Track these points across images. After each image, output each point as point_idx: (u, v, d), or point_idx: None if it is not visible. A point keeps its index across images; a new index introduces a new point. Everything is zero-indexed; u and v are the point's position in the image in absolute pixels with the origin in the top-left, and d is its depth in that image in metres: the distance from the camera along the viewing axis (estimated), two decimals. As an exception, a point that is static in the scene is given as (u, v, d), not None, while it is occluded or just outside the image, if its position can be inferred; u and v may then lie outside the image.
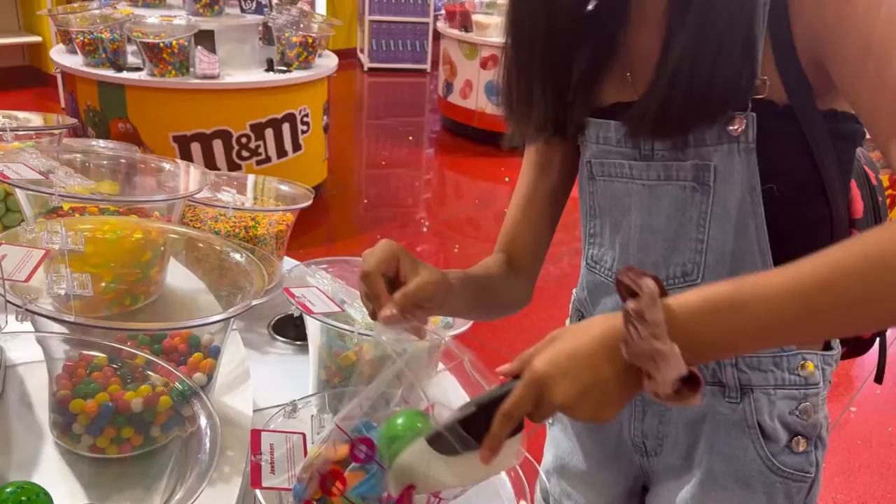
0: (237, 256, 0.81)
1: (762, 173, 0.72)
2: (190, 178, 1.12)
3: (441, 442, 0.64)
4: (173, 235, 0.89)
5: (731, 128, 0.71)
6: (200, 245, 0.86)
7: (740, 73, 0.69)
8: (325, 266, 1.15)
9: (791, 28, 0.68)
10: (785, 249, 0.72)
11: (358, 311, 0.94)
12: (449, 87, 5.15)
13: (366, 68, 6.91)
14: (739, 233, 0.75)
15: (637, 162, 0.79)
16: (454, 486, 0.68)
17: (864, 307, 0.55)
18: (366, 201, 4.17)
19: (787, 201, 0.74)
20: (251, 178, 1.57)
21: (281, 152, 3.42)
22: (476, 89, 4.91)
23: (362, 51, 7.05)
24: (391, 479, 0.66)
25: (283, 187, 1.52)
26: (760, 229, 0.74)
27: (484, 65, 4.84)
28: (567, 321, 0.97)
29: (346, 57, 7.07)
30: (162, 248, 0.92)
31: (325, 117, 3.73)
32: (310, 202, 1.40)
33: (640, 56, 0.77)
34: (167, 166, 1.16)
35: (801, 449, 0.80)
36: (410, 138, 5.28)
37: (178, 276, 0.99)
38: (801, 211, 0.75)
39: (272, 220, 1.36)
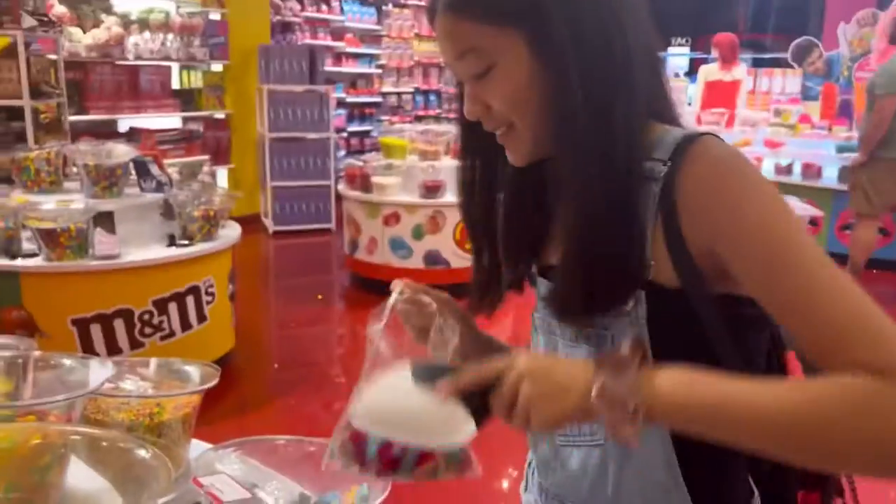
0: (142, 452, 0.80)
1: (657, 349, 0.76)
2: (90, 371, 1.11)
3: (420, 372, 0.77)
4: (75, 437, 0.87)
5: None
6: (104, 443, 0.84)
7: (628, 267, 0.77)
8: (233, 449, 1.14)
9: (682, 231, 0.76)
10: None
11: (270, 496, 0.93)
12: (354, 244, 5.27)
13: (271, 232, 7.01)
14: None
15: (557, 322, 0.88)
16: (405, 429, 0.76)
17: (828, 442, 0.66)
18: (276, 366, 4.11)
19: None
20: (153, 362, 1.54)
21: (186, 325, 3.37)
22: (381, 245, 5.05)
23: (266, 215, 7.17)
24: (358, 409, 0.80)
25: (188, 368, 1.51)
26: None
27: (386, 222, 5.01)
28: None
29: (251, 222, 7.16)
30: (62, 451, 0.89)
31: (230, 286, 3.73)
32: (215, 381, 1.39)
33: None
34: (66, 361, 1.14)
35: None
36: (320, 297, 5.30)
37: (81, 477, 0.96)
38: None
39: (177, 405, 1.34)
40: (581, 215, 0.78)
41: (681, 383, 0.70)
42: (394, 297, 0.90)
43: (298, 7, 8.31)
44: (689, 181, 0.75)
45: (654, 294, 0.78)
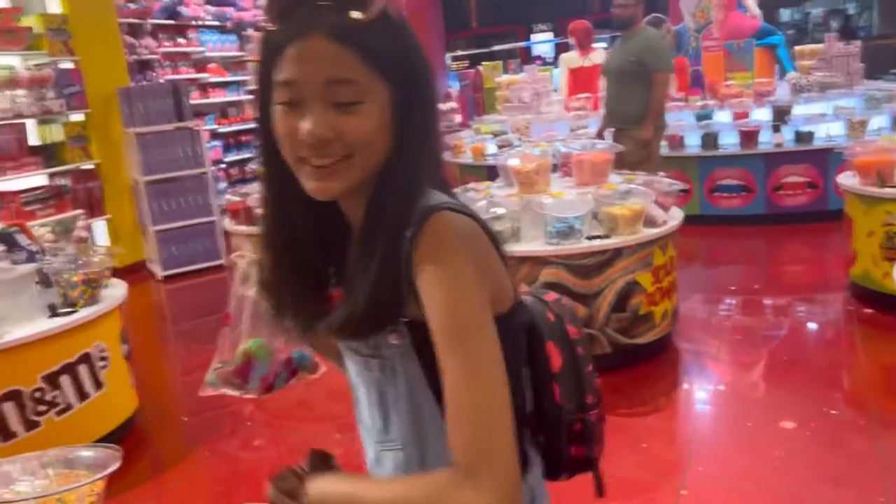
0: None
1: (428, 372, 0.94)
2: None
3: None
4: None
5: (391, 338, 0.96)
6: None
7: (388, 302, 0.92)
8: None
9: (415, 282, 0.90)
10: None
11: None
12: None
13: (160, 277, 6.79)
14: (416, 416, 1.00)
15: (352, 353, 1.04)
16: None
17: None
18: (185, 418, 4.01)
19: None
20: (49, 453, 1.51)
21: (82, 396, 3.25)
22: (275, 276, 4.99)
23: (152, 261, 6.94)
24: None
25: (86, 453, 1.48)
26: (434, 413, 0.97)
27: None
28: None
29: (137, 270, 6.92)
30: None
31: (124, 346, 3.62)
32: (118, 464, 1.38)
33: None
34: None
35: None
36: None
37: None
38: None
39: (80, 496, 1.32)
40: (372, 256, 0.92)
41: (326, 484, 0.95)
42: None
43: (154, 44, 8.07)
44: (417, 250, 0.89)
45: (414, 327, 0.92)
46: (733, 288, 5.17)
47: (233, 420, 3.88)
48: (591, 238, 3.63)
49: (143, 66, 7.94)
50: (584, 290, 3.61)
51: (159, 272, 6.79)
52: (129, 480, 3.16)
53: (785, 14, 17.77)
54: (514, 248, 3.66)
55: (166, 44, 8.28)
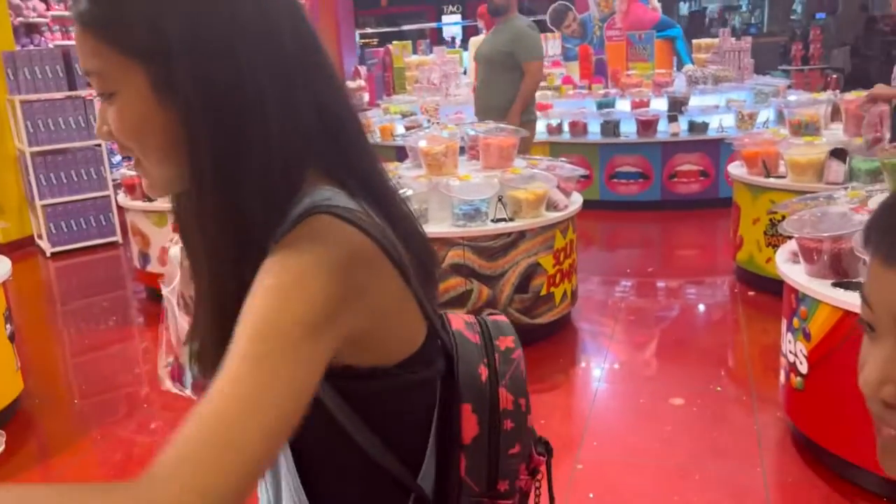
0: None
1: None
2: None
3: None
4: None
5: None
6: None
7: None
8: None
9: None
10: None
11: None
12: (145, 257, 5.01)
13: (48, 254, 6.45)
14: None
15: None
16: None
17: None
18: (76, 401, 3.85)
19: (314, 456, 0.83)
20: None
21: (-38, 378, 3.07)
22: (174, 254, 4.84)
23: (40, 237, 6.58)
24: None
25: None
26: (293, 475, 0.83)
27: (176, 229, 4.80)
28: None
29: (24, 246, 6.55)
30: None
31: (8, 326, 3.43)
32: (1, 448, 1.32)
33: None
34: None
35: None
36: (115, 318, 5.00)
37: None
38: (332, 460, 0.83)
39: (-39, 482, 1.26)
40: (212, 281, 0.77)
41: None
42: (175, 250, 0.97)
43: (43, 6, 7.59)
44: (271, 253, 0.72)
45: None
46: (629, 271, 5.38)
47: (128, 402, 3.75)
48: (496, 221, 3.70)
49: (29, 30, 7.46)
50: (488, 271, 3.68)
51: (48, 248, 6.44)
52: (14, 464, 3.01)
53: (683, 7, 18.47)
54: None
55: (56, 6, 7.81)
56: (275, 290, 0.68)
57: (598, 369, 3.81)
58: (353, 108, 0.85)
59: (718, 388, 3.46)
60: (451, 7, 17.80)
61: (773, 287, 4.08)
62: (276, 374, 0.64)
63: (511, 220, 3.73)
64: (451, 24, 17.55)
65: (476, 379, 0.85)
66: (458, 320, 0.92)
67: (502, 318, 0.95)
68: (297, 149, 0.77)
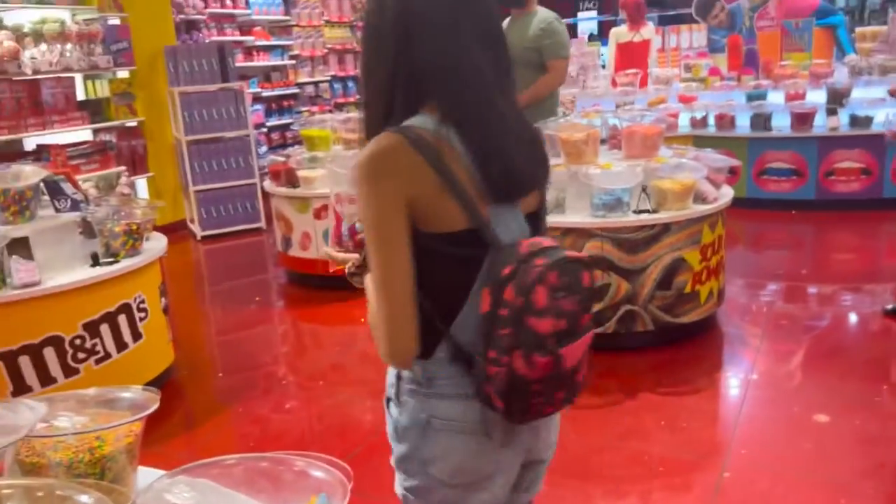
0: (83, 498, 0.77)
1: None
2: (18, 416, 1.06)
3: None
4: (7, 490, 0.84)
5: None
6: (40, 494, 0.81)
7: None
8: (182, 475, 1.11)
9: None
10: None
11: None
12: (287, 241, 5.19)
13: (199, 237, 6.84)
14: None
15: None
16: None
17: None
18: (220, 375, 4.03)
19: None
20: (88, 393, 1.49)
21: (121, 346, 3.27)
22: (315, 240, 4.99)
23: (192, 221, 6.99)
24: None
25: (125, 394, 1.46)
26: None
27: (318, 216, 4.94)
28: None
29: (177, 230, 6.98)
30: (-5, 505, 0.86)
31: (162, 299, 3.63)
32: (156, 406, 1.35)
33: None
34: (-9, 408, 1.08)
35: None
36: (257, 299, 5.21)
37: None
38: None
39: (118, 435, 1.30)
40: None
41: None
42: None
43: (202, 4, 8.06)
44: None
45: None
46: (779, 273, 5.02)
47: (267, 380, 3.88)
48: (638, 212, 3.53)
49: (189, 27, 7.94)
50: (628, 265, 3.52)
51: (199, 232, 6.83)
52: (163, 431, 3.18)
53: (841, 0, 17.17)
54: (558, 220, 3.58)
55: (213, 5, 8.27)
56: (359, 204, 1.20)
57: (744, 376, 3.55)
58: (473, 60, 1.20)
59: (877, 400, 3.13)
60: (587, 3, 17.42)
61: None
62: (387, 261, 1.18)
63: (655, 211, 3.54)
64: (588, 19, 17.19)
65: (499, 273, 1.14)
66: (542, 239, 1.21)
67: (574, 253, 1.20)
68: (405, 84, 1.21)
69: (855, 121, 6.16)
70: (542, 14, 4.39)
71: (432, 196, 1.15)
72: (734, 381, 3.50)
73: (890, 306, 3.84)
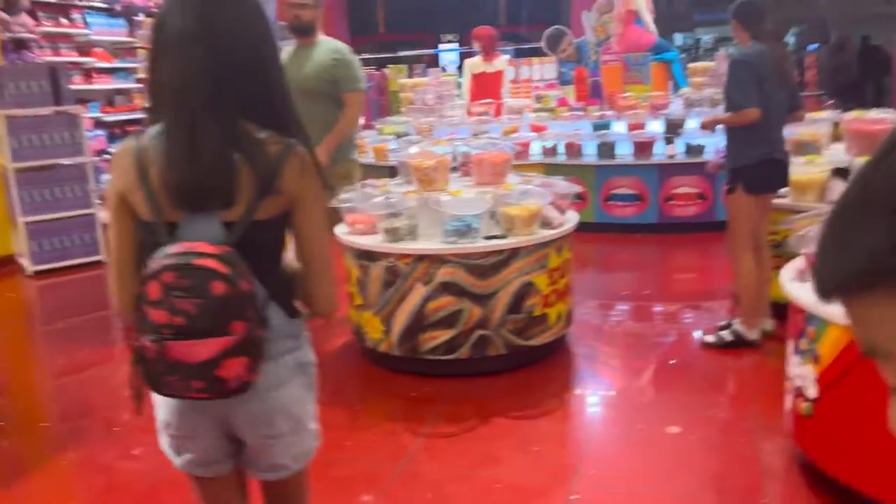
0: None
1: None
2: None
3: None
4: None
5: None
6: None
7: None
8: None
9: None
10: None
11: None
12: (127, 275, 4.84)
13: (30, 273, 6.28)
14: None
15: None
16: None
17: None
18: (48, 424, 3.67)
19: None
20: None
21: (-80, 397, 2.89)
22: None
23: (22, 255, 6.42)
24: None
25: None
26: None
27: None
28: None
29: (5, 265, 6.39)
30: None
31: (-25, 343, 3.26)
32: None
33: None
34: None
35: None
36: (95, 340, 4.82)
37: None
38: None
39: None
40: None
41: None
42: None
43: (32, 22, 7.51)
44: None
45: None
46: (625, 294, 5.24)
47: (105, 425, 3.57)
48: (488, 238, 3.57)
49: (18, 46, 7.37)
50: (480, 290, 3.54)
51: (29, 267, 6.28)
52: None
53: (678, 38, 18.56)
54: (411, 246, 3.55)
55: (46, 23, 7.73)
56: None
57: (594, 394, 3.65)
58: (184, 80, 1.39)
59: (719, 415, 3.30)
60: (448, 35, 17.84)
61: (776, 311, 3.95)
62: (111, 235, 1.53)
63: (504, 237, 3.59)
64: (449, 50, 17.59)
65: (149, 265, 1.35)
66: (199, 245, 1.36)
67: (208, 262, 1.35)
68: (152, 96, 1.50)
69: (690, 149, 6.59)
70: (332, 44, 4.11)
71: (133, 190, 1.43)
72: (585, 401, 3.58)
73: (710, 338, 4.01)
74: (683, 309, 4.89)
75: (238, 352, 1.34)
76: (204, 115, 1.36)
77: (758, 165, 3.68)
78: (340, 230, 3.87)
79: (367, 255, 3.67)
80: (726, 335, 3.91)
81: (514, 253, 3.56)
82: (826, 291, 0.49)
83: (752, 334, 3.85)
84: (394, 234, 3.60)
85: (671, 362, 3.93)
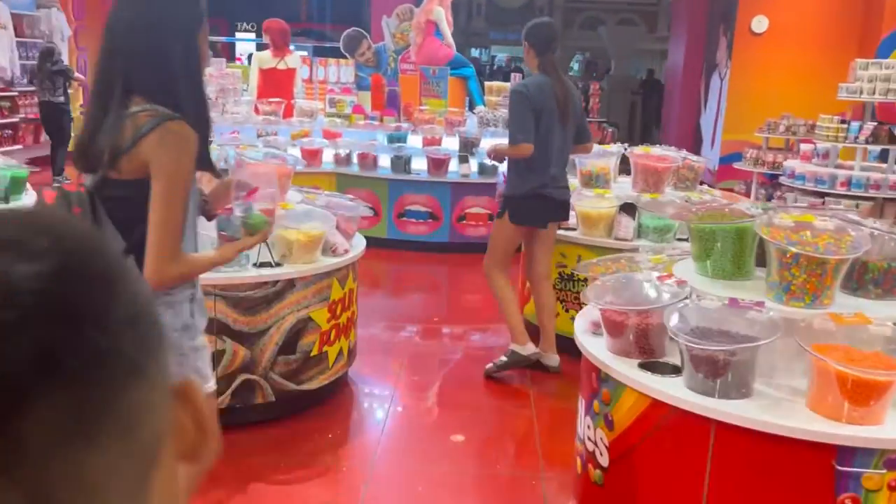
0: None
1: None
2: None
3: None
4: None
5: None
6: None
7: None
8: None
9: None
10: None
11: None
12: None
13: None
14: None
15: None
16: None
17: None
18: None
19: None
20: None
21: None
22: None
23: None
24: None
25: None
26: None
27: None
28: None
29: None
30: None
31: None
32: None
33: None
34: None
35: None
36: None
37: None
38: None
39: None
40: None
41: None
42: None
43: None
44: None
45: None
46: (416, 314, 5.00)
47: None
48: (259, 266, 3.08)
49: None
50: (246, 328, 3.03)
51: None
52: None
53: (474, 52, 18.98)
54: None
55: None
56: None
57: (373, 445, 3.28)
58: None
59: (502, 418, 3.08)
60: (245, 24, 16.81)
61: (562, 342, 3.85)
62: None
63: (279, 265, 3.12)
64: (246, 40, 16.53)
65: None
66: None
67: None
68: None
69: (483, 169, 6.50)
70: None
71: None
72: (362, 455, 3.20)
73: (489, 366, 3.93)
74: (471, 330, 4.75)
75: None
76: (93, 96, 1.71)
77: (524, 198, 3.71)
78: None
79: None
80: (502, 358, 3.89)
81: (290, 284, 3.10)
82: None
83: (526, 350, 3.86)
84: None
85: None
